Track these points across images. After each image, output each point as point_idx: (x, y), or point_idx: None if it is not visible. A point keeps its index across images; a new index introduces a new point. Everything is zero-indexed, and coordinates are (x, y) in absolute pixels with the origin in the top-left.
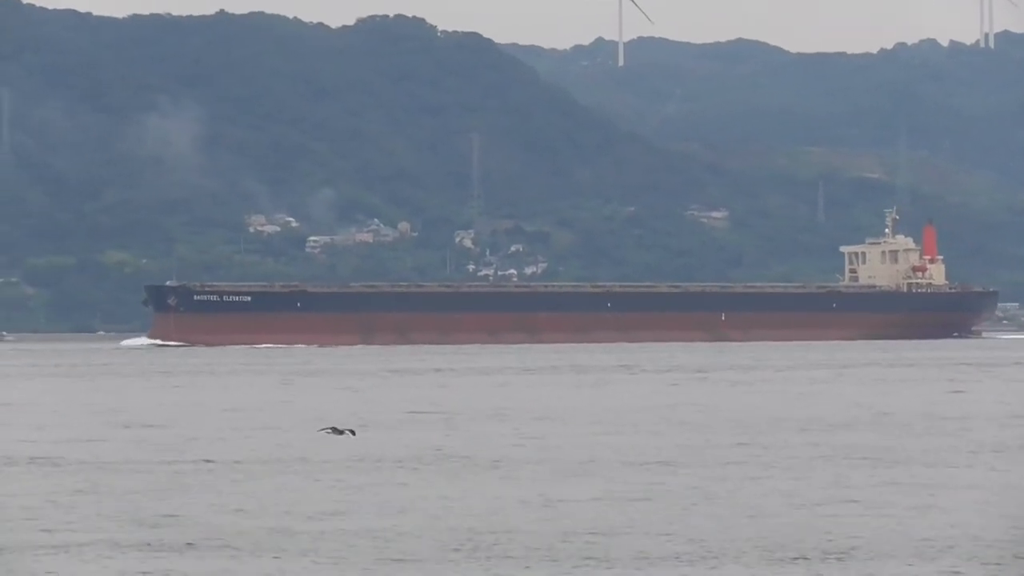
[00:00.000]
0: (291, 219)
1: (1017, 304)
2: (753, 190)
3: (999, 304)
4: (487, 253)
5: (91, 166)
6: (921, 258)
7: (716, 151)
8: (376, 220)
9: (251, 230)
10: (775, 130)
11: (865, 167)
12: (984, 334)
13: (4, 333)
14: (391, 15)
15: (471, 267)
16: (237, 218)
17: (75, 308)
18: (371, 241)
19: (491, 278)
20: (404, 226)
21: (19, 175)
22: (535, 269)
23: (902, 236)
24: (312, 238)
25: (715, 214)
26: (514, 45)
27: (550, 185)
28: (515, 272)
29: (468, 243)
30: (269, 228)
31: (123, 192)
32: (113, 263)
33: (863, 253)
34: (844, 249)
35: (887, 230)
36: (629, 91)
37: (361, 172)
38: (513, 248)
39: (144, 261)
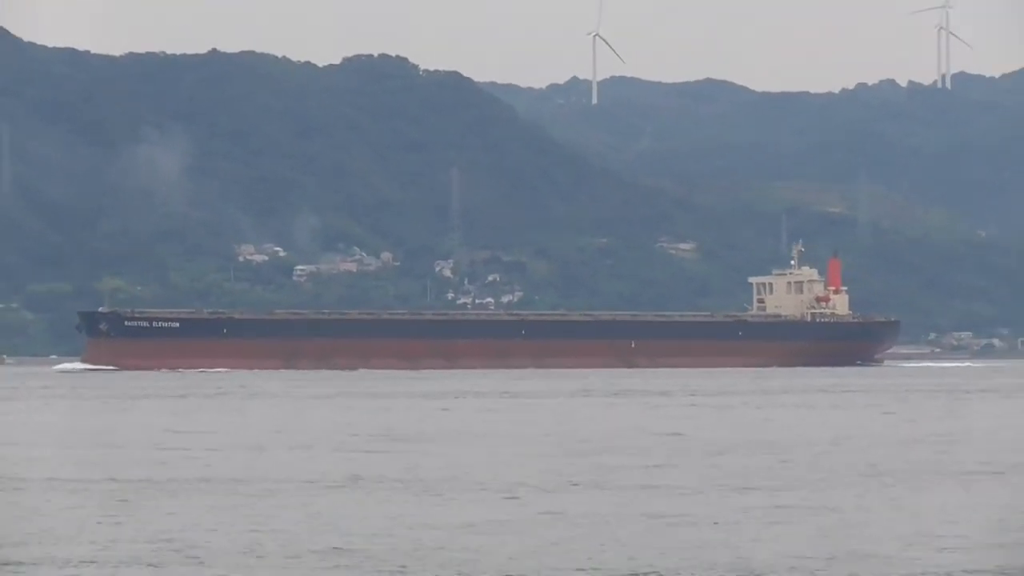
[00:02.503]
0: (279, 248)
1: (971, 333)
2: (720, 223)
3: (954, 333)
4: (466, 282)
5: (88, 197)
6: (825, 289)
7: (685, 186)
8: (360, 250)
9: (241, 259)
10: (741, 166)
11: (827, 202)
12: (886, 362)
13: (4, 357)
14: (375, 54)
15: (450, 295)
16: (227, 247)
17: (73, 333)
18: (355, 270)
19: (469, 306)
20: (387, 256)
21: (19, 205)
22: (511, 297)
23: (807, 267)
24: (299, 267)
25: (684, 246)
26: (492, 84)
27: (526, 217)
28: (492, 300)
29: (448, 272)
30: (258, 257)
31: (119, 222)
32: (109, 290)
33: (770, 283)
34: (752, 280)
35: (793, 262)
36: (602, 128)
37: (346, 204)
38: (491, 277)
39: (139, 288)
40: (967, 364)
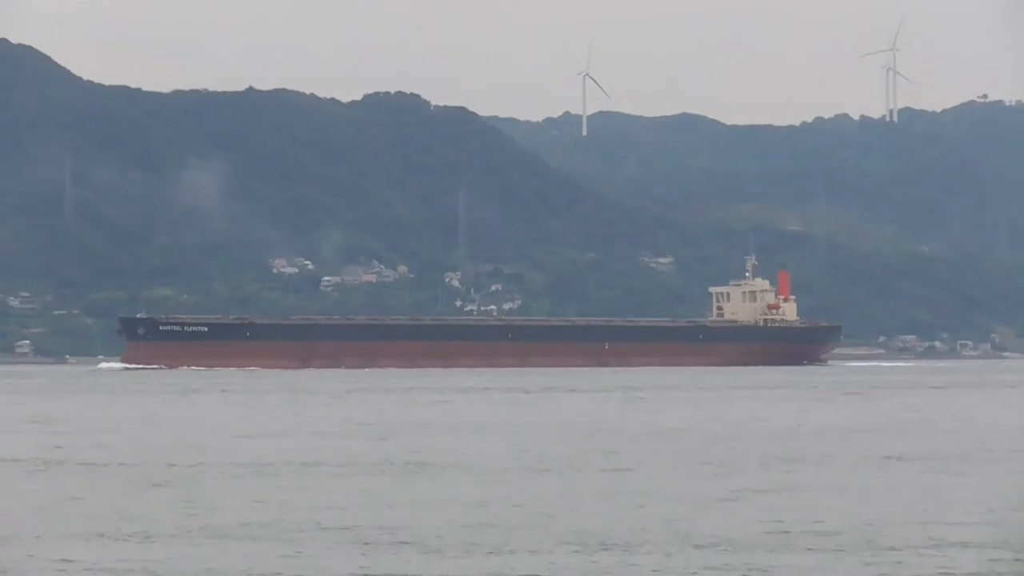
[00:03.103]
0: (308, 262)
1: (915, 336)
2: (694, 239)
3: (900, 336)
4: (472, 291)
5: (141, 216)
6: (776, 297)
7: (664, 206)
8: (379, 263)
9: (275, 271)
10: (713, 189)
11: (789, 221)
12: (831, 362)
13: (68, 357)
14: (392, 91)
15: (458, 303)
16: (263, 260)
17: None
18: (375, 281)
19: (475, 313)
20: (402, 268)
21: (82, 224)
22: (512, 305)
23: (759, 279)
24: (325, 278)
25: (662, 259)
26: (495, 117)
27: (525, 234)
28: (495, 307)
29: (456, 283)
30: (289, 269)
31: (168, 238)
32: (160, 298)
33: (727, 293)
34: (712, 289)
35: (747, 274)
36: (591, 156)
37: (366, 222)
38: (493, 287)
39: (185, 296)
40: (912, 364)
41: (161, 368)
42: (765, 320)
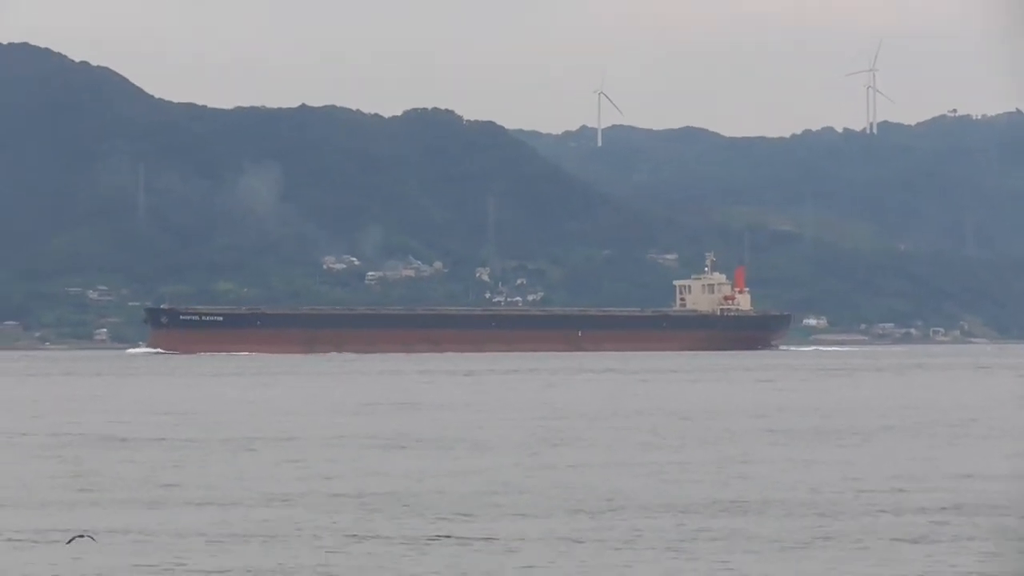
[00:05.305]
0: (354, 258)
1: (892, 324)
2: (696, 238)
3: (879, 324)
4: (499, 284)
5: (204, 219)
6: (732, 289)
7: (670, 209)
8: (416, 259)
9: (324, 267)
10: (713, 194)
11: (780, 222)
12: (781, 347)
13: (140, 343)
14: (429, 107)
15: (487, 295)
16: (314, 258)
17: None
18: (413, 275)
19: (502, 303)
20: (437, 264)
21: (151, 225)
22: (535, 296)
23: (718, 273)
24: (369, 273)
25: (668, 256)
26: (520, 131)
27: (546, 234)
28: (520, 299)
29: (485, 277)
30: (337, 265)
31: (228, 238)
32: (222, 291)
33: (689, 285)
34: (675, 283)
35: (707, 268)
36: (605, 165)
37: (405, 223)
38: (519, 281)
39: (245, 290)
40: (890, 347)
41: (179, 353)
42: (722, 310)
